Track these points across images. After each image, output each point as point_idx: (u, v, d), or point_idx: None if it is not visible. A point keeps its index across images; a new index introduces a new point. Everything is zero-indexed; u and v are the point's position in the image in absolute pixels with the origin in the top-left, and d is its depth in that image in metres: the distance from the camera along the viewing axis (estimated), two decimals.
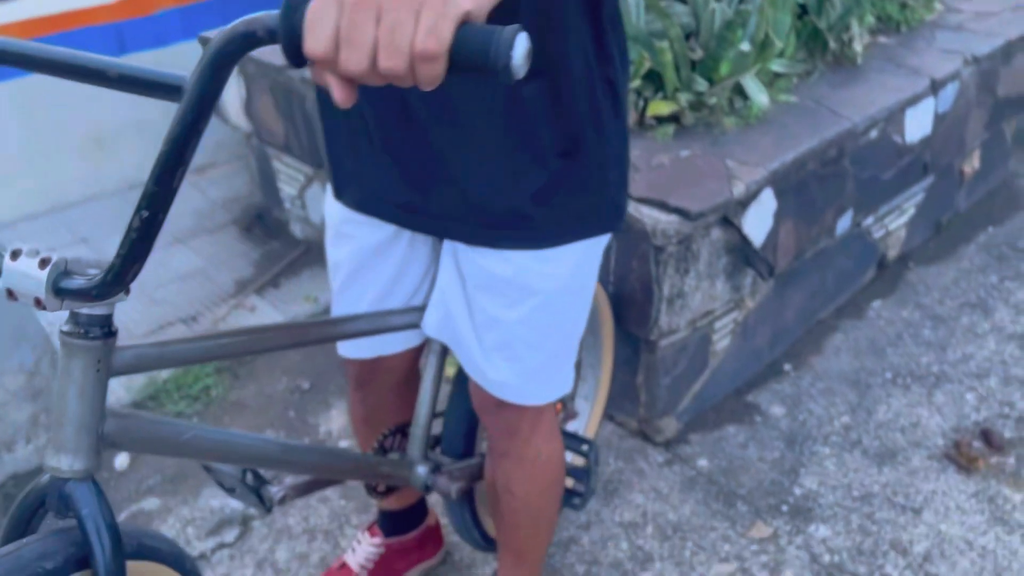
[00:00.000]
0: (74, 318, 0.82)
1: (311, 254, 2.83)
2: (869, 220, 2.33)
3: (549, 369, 1.18)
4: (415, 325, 1.25)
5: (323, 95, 1.15)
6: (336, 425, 2.12)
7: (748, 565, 1.68)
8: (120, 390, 2.24)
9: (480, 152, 1.03)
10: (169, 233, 2.97)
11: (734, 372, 2.11)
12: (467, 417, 1.40)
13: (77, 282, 0.75)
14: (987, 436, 1.92)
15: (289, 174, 2.84)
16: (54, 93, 2.95)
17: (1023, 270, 2.52)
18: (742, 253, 1.87)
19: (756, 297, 2.04)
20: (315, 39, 0.58)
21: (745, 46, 1.95)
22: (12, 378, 1.96)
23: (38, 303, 0.74)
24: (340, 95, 0.61)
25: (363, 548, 1.60)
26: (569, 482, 1.52)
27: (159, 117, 3.18)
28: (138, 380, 2.27)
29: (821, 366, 2.20)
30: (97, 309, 0.82)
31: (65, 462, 0.84)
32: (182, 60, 3.19)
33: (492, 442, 1.29)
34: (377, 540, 1.62)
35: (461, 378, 1.38)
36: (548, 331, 1.15)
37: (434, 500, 1.72)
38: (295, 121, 2.55)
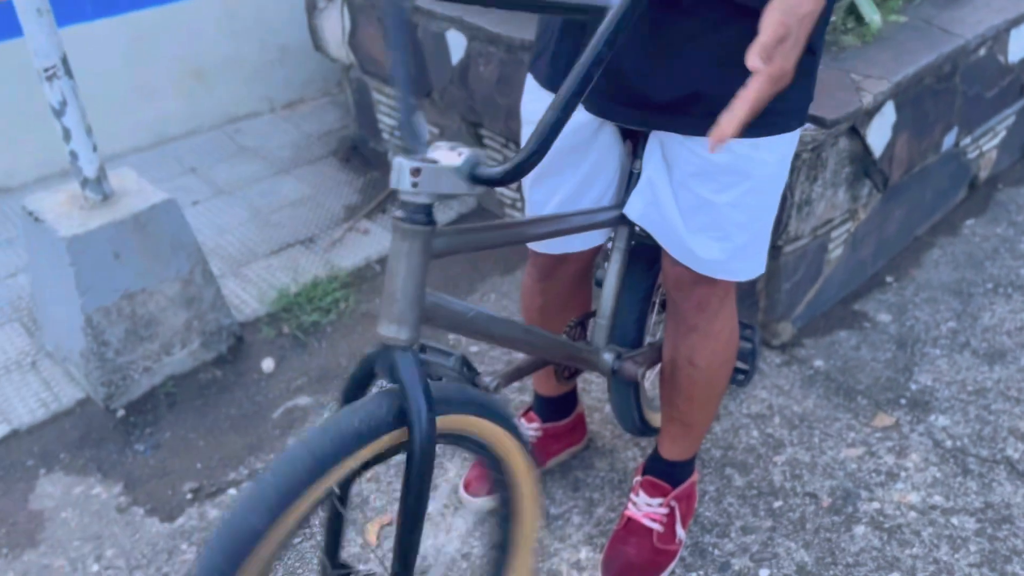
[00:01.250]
0: (404, 207, 0.95)
1: None
2: (967, 140, 2.41)
3: (752, 247, 1.30)
4: (610, 222, 1.36)
5: None
6: None
7: (875, 449, 1.80)
8: (254, 303, 2.39)
9: (711, 47, 1.13)
10: (272, 163, 3.09)
11: (842, 282, 2.22)
12: (639, 309, 1.52)
13: (489, 170, 0.89)
14: None
15: (390, 104, 2.95)
16: (156, 29, 3.06)
17: None
18: (862, 164, 1.97)
19: (867, 209, 2.14)
20: None
21: None
22: (169, 285, 2.10)
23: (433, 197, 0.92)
24: None
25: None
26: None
27: (254, 52, 3.30)
28: (270, 294, 2.41)
29: (922, 278, 2.30)
30: (421, 199, 0.94)
31: (396, 331, 0.97)
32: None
33: (680, 318, 1.41)
34: (535, 425, 1.76)
35: (632, 277, 1.50)
36: (755, 212, 1.26)
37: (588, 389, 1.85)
38: None
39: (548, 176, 1.36)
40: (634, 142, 1.37)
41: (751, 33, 1.11)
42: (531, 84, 1.37)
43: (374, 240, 2.66)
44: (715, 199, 1.24)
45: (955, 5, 2.28)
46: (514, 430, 1.16)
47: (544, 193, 1.38)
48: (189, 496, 1.83)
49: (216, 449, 1.95)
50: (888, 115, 1.94)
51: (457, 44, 2.44)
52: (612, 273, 1.45)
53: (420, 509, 1.03)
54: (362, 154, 3.14)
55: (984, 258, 2.36)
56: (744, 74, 1.15)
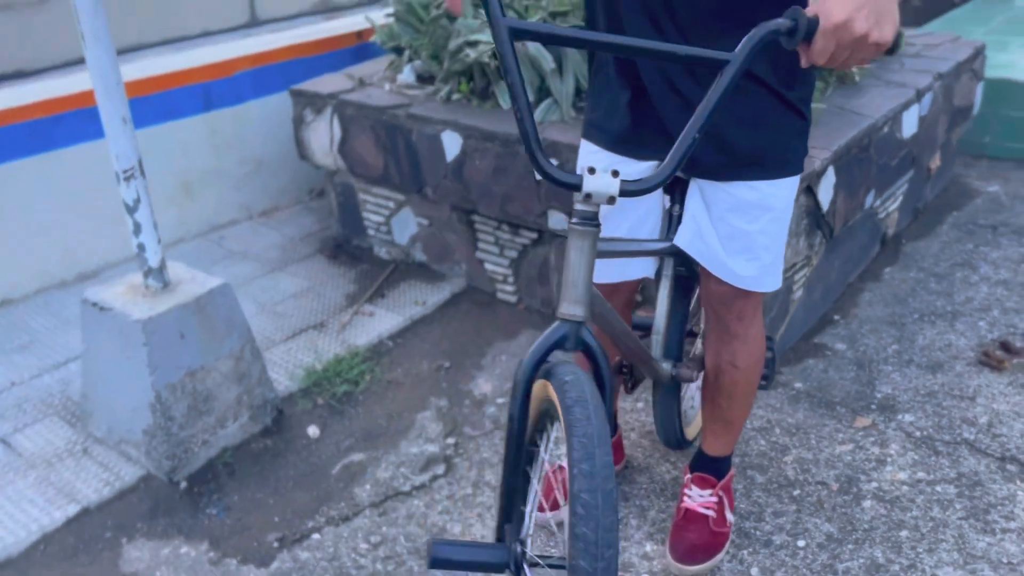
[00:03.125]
0: (580, 215, 1.26)
1: (400, 271, 3.23)
2: (878, 202, 2.94)
3: (776, 265, 1.66)
4: (664, 251, 1.71)
5: (605, 67, 1.62)
6: (488, 388, 2.52)
7: (862, 444, 2.17)
8: (285, 380, 2.58)
9: (740, 112, 1.52)
10: (263, 264, 3.32)
11: (802, 320, 2.64)
12: (680, 329, 1.86)
13: (636, 184, 1.20)
14: (1006, 346, 2.50)
15: (377, 204, 3.26)
16: (151, 147, 3.30)
17: (989, 238, 3.18)
18: (815, 217, 2.42)
19: (817, 258, 2.59)
20: (835, 14, 1.09)
21: None
22: (224, 362, 2.29)
23: (611, 200, 1.21)
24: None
25: None
26: None
27: (234, 165, 3.57)
28: (298, 373, 2.61)
29: (863, 314, 2.76)
30: (591, 207, 1.26)
31: (576, 310, 1.27)
32: (258, 114, 3.59)
33: (723, 328, 1.75)
34: None
35: (676, 300, 1.84)
36: (777, 236, 1.64)
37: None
38: (397, 152, 2.99)
39: (613, 216, 1.70)
40: (673, 192, 1.73)
41: (770, 101, 1.52)
42: (587, 148, 1.71)
43: (380, 321, 2.91)
44: (748, 228, 1.61)
45: (858, 94, 2.84)
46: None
47: (608, 230, 1.72)
48: (276, 544, 1.99)
49: (287, 504, 2.12)
50: (830, 177, 2.41)
51: (452, 143, 2.81)
52: (663, 297, 1.80)
53: (608, 410, 1.30)
54: (347, 251, 3.41)
55: (906, 296, 2.85)
56: (760, 133, 1.54)
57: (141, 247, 2.17)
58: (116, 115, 2.04)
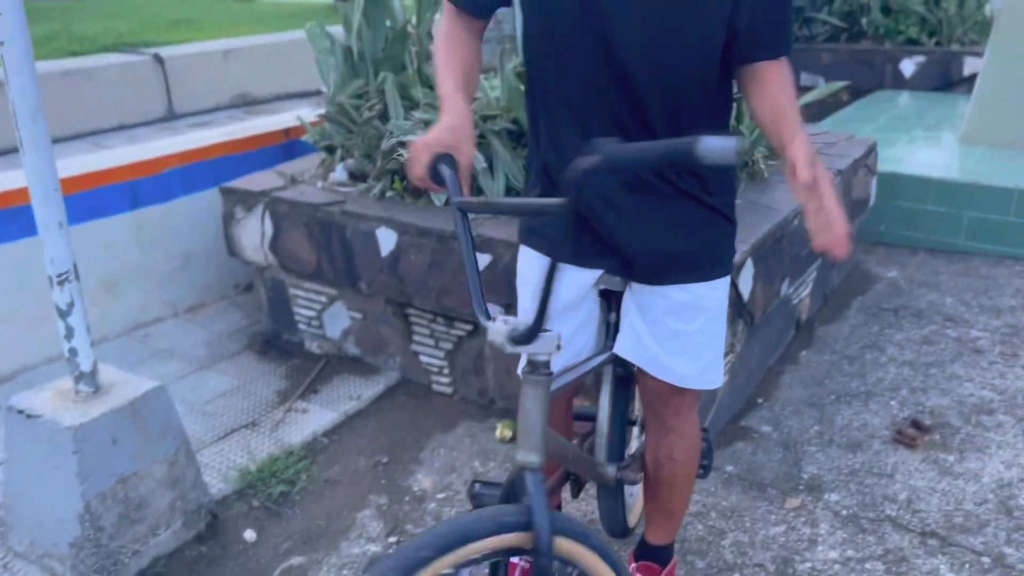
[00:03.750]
0: (533, 364, 1.32)
1: (333, 365, 3.22)
2: (791, 290, 3.12)
3: (716, 361, 1.75)
4: (606, 362, 1.77)
5: (541, 176, 1.70)
6: (427, 483, 2.52)
7: (794, 524, 2.26)
8: (219, 483, 2.52)
9: (668, 218, 1.62)
10: (191, 361, 3.26)
11: (729, 405, 2.75)
12: (622, 429, 1.92)
13: (519, 335, 1.28)
14: (917, 424, 2.66)
15: (309, 298, 3.27)
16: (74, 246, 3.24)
17: (893, 321, 3.40)
18: (736, 307, 2.56)
19: (740, 345, 2.72)
20: None
21: None
22: (158, 467, 2.23)
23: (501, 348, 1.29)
24: None
25: None
26: None
27: (161, 261, 3.54)
28: (232, 474, 2.56)
29: (784, 397, 2.89)
30: (541, 357, 1.32)
31: (531, 457, 1.31)
32: (186, 211, 3.58)
33: (660, 424, 1.81)
34: None
35: (616, 404, 1.90)
36: (714, 334, 1.73)
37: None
38: (331, 248, 3.03)
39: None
40: (609, 300, 1.81)
41: (697, 208, 1.63)
42: (527, 252, 1.79)
43: (314, 417, 2.88)
44: (684, 328, 1.70)
45: (768, 190, 3.04)
46: (614, 565, 1.41)
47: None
48: None
49: None
50: (749, 268, 2.56)
51: (387, 239, 2.86)
52: (604, 402, 1.86)
53: None
54: (277, 346, 3.39)
55: (822, 378, 3.00)
56: (690, 238, 1.64)
57: (73, 351, 2.13)
58: (53, 220, 2.02)
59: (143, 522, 2.20)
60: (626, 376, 1.90)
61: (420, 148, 1.42)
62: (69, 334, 2.11)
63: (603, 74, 1.50)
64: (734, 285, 2.48)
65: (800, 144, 1.42)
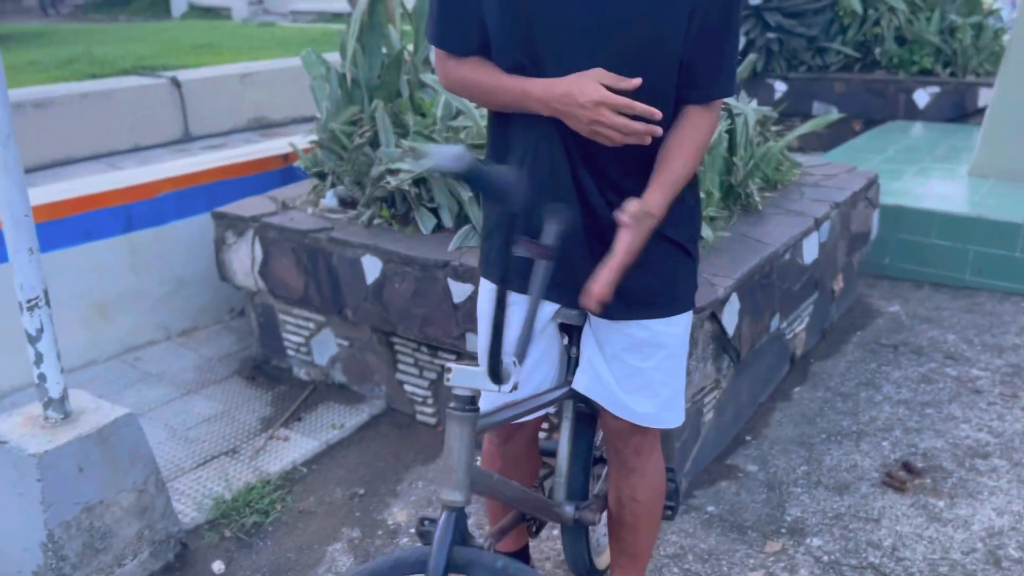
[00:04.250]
0: (459, 400, 1.29)
1: (319, 392, 3.20)
2: (784, 324, 3.05)
3: (675, 400, 1.70)
4: (564, 396, 1.73)
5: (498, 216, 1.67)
6: (402, 517, 2.47)
7: (772, 570, 2.19)
8: (192, 512, 2.50)
9: (634, 264, 1.58)
10: (179, 386, 3.25)
11: (715, 442, 2.69)
12: (584, 467, 1.87)
13: (477, 379, 1.25)
14: (908, 466, 2.58)
15: (297, 324, 3.25)
16: (66, 269, 3.25)
17: (891, 358, 3.32)
18: (720, 342, 2.50)
19: (726, 380, 2.66)
20: None
21: None
22: (126, 496, 2.21)
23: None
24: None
25: None
26: None
27: (154, 285, 3.54)
28: (206, 503, 2.53)
29: (773, 434, 2.82)
30: (465, 393, 1.30)
31: (455, 495, 1.28)
32: (180, 235, 3.59)
33: (622, 463, 1.76)
34: None
35: (577, 441, 1.85)
36: (672, 372, 1.68)
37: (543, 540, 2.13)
38: (318, 275, 3.01)
39: None
40: (569, 333, 1.77)
41: (656, 241, 1.58)
42: (487, 286, 1.75)
43: (295, 446, 2.86)
44: (643, 365, 1.66)
45: (761, 223, 2.99)
46: None
47: None
48: None
49: None
50: (734, 303, 2.51)
51: (372, 267, 2.84)
52: (564, 439, 1.81)
53: None
54: (266, 372, 3.37)
55: (814, 416, 2.93)
56: (647, 273, 1.60)
57: (42, 377, 2.12)
58: (23, 247, 2.02)
59: (108, 552, 2.18)
60: (589, 413, 1.85)
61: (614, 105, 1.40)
62: (39, 360, 2.10)
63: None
64: (717, 320, 2.43)
65: (648, 197, 1.48)
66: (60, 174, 5.62)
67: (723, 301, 2.43)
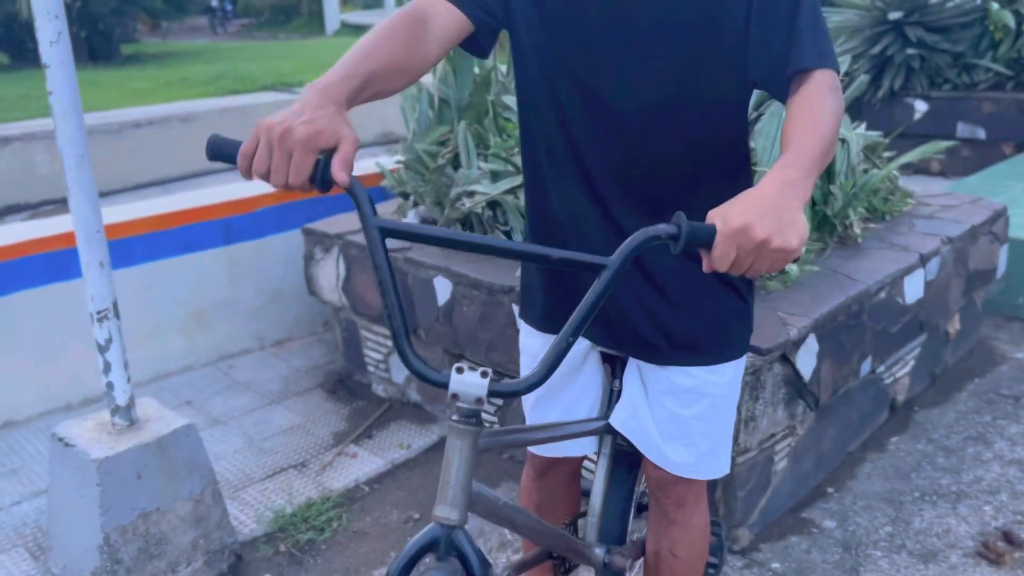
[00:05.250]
0: (460, 412, 1.21)
1: (394, 410, 3.21)
2: (881, 368, 2.81)
3: (716, 451, 1.58)
4: (598, 431, 1.64)
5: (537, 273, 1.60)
6: None
7: None
8: (252, 523, 2.55)
9: (671, 296, 1.48)
10: (263, 396, 3.35)
11: (789, 492, 2.50)
12: (622, 508, 1.76)
13: (507, 386, 1.16)
14: (1008, 537, 2.31)
15: (377, 341, 3.29)
16: (166, 277, 3.42)
17: (1010, 410, 3.00)
18: (795, 386, 2.32)
19: (804, 426, 2.47)
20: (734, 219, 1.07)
21: None
22: (182, 505, 2.28)
23: (479, 401, 1.15)
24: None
25: None
26: None
27: (250, 296, 3.66)
28: (267, 515, 2.58)
29: (858, 488, 2.59)
30: (469, 405, 1.21)
31: (449, 512, 1.21)
32: (277, 248, 3.71)
33: (662, 514, 1.65)
34: None
35: (616, 480, 1.76)
36: (715, 423, 1.56)
37: None
38: None
39: (547, 397, 1.66)
40: (613, 365, 1.68)
41: (708, 282, 1.47)
42: (526, 328, 1.69)
43: (362, 463, 2.87)
44: (683, 413, 1.54)
45: (857, 257, 2.77)
46: None
47: (543, 411, 1.67)
48: None
49: None
50: (812, 345, 2.32)
51: (443, 288, 2.83)
52: (600, 477, 1.72)
53: None
54: (347, 386, 3.42)
55: (909, 470, 2.68)
56: (693, 316, 1.49)
57: (110, 385, 2.22)
58: (95, 260, 2.12)
59: (162, 558, 2.25)
60: (630, 452, 1.74)
61: (299, 142, 1.13)
62: (107, 369, 2.20)
63: (609, 139, 1.40)
64: (790, 363, 2.26)
65: (785, 162, 1.17)
66: (201, 183, 5.97)
67: (797, 343, 2.25)
